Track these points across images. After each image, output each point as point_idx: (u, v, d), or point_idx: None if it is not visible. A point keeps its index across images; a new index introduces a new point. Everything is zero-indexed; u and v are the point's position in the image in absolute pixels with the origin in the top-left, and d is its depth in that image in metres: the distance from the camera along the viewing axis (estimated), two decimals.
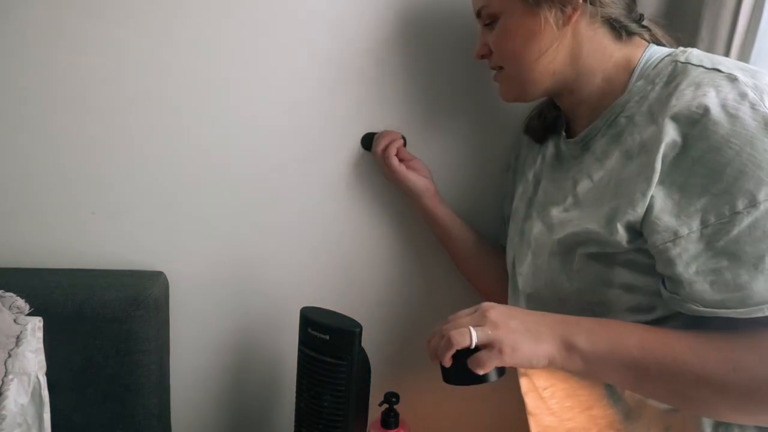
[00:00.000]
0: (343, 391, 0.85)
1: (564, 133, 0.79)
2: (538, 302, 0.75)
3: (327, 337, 0.84)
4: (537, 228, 0.76)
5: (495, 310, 0.62)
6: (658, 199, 0.59)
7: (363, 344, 0.86)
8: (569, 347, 0.61)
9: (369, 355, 0.89)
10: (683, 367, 0.58)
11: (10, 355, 0.80)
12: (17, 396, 0.80)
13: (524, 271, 0.78)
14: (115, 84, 0.91)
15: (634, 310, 0.65)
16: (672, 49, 0.68)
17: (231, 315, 1.03)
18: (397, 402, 0.92)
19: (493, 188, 1.03)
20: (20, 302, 0.84)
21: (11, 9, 0.87)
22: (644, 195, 0.60)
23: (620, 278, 0.65)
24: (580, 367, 0.61)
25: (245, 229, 1.00)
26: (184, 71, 0.92)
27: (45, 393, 0.84)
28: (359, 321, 0.86)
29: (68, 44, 0.89)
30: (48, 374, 0.85)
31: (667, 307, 0.63)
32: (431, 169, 0.98)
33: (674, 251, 0.58)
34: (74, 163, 0.93)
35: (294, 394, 0.91)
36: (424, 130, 1.00)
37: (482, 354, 0.60)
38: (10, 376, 0.79)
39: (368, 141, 0.99)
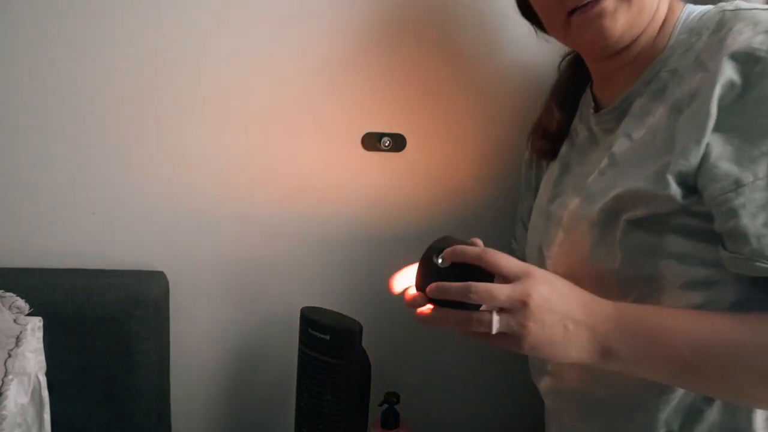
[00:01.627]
0: (344, 391, 0.85)
1: (592, 110, 0.72)
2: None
3: (327, 337, 0.84)
4: (572, 203, 0.68)
5: (537, 296, 0.53)
6: (716, 145, 0.53)
7: (363, 344, 0.86)
8: (607, 353, 0.55)
9: (369, 355, 0.89)
10: (743, 365, 0.51)
11: (10, 355, 0.80)
12: (17, 396, 0.79)
13: (554, 252, 0.70)
14: (115, 84, 0.91)
15: (688, 286, 0.56)
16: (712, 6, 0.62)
17: (231, 315, 1.03)
18: (398, 402, 0.92)
19: (497, 187, 1.03)
20: (20, 302, 0.84)
21: (9, 10, 0.87)
22: (698, 143, 0.53)
23: (672, 246, 0.56)
24: (618, 369, 0.56)
25: (245, 229, 1.00)
26: (183, 72, 0.92)
27: (45, 393, 0.84)
28: (359, 321, 0.86)
29: (67, 44, 0.89)
30: (48, 374, 0.85)
31: (727, 284, 0.55)
32: (432, 168, 0.98)
33: (737, 201, 0.51)
34: (74, 163, 0.93)
35: (294, 394, 0.91)
36: (425, 130, 1.00)
37: (496, 319, 0.53)
38: (10, 376, 0.79)
39: (368, 141, 0.99)
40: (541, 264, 0.72)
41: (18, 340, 0.81)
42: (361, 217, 1.02)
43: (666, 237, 0.56)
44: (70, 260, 0.96)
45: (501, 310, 0.54)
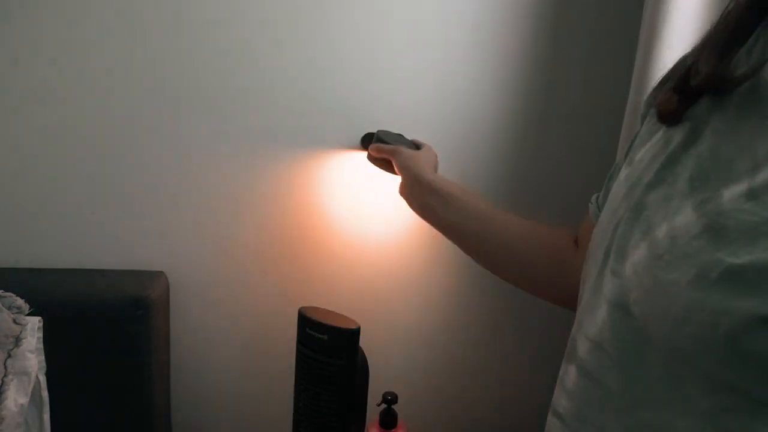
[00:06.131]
0: (342, 391, 0.85)
1: None
2: (637, 339, 0.42)
3: (325, 337, 0.84)
4: (682, 216, 0.40)
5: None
6: None
7: (361, 344, 0.86)
8: (436, 191, 0.79)
9: (367, 355, 0.89)
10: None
11: (9, 356, 0.80)
12: (17, 396, 0.80)
13: (628, 271, 0.43)
14: (115, 84, 0.92)
15: None
16: None
17: (230, 315, 1.03)
18: (396, 402, 0.92)
19: (499, 187, 1.03)
20: (20, 302, 0.84)
21: (8, 8, 0.87)
22: None
23: None
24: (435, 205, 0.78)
25: (245, 229, 1.00)
26: (184, 72, 0.93)
27: (45, 393, 0.85)
28: (358, 321, 0.86)
29: (68, 44, 0.89)
30: (48, 374, 0.85)
31: None
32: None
33: None
34: (74, 163, 0.94)
35: (292, 394, 0.91)
36: (427, 131, 1.00)
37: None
38: (10, 376, 0.79)
39: (368, 141, 0.99)
40: (600, 274, 0.48)
41: (18, 340, 0.81)
42: (359, 217, 1.02)
43: None
44: (70, 260, 0.96)
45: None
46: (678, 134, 0.46)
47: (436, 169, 0.90)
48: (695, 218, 0.39)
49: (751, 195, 0.37)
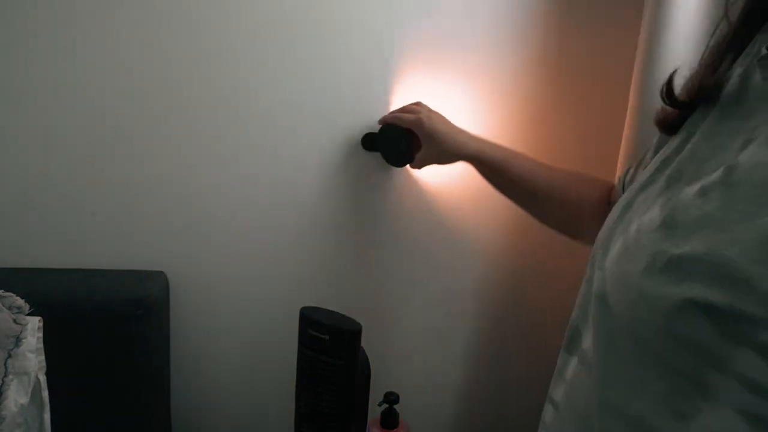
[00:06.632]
0: (343, 391, 0.85)
1: (765, 49, 0.43)
2: (620, 329, 0.44)
3: (326, 337, 0.84)
4: (651, 212, 0.44)
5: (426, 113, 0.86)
6: None
7: (363, 344, 0.86)
8: (480, 149, 0.82)
9: (369, 355, 0.89)
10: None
11: (10, 355, 0.80)
12: (17, 396, 0.79)
13: (607, 265, 0.47)
14: (115, 83, 0.91)
15: (752, 418, 0.36)
16: None
17: (231, 315, 1.03)
18: (397, 402, 0.92)
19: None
20: (20, 302, 0.84)
21: (10, 10, 0.87)
22: None
23: (743, 366, 0.35)
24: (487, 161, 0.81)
25: (245, 229, 1.00)
26: (184, 71, 0.92)
27: (45, 393, 0.84)
28: (359, 321, 0.86)
29: (68, 43, 0.89)
30: (48, 374, 0.85)
31: None
32: (432, 167, 0.98)
33: None
34: (74, 162, 0.93)
35: (294, 394, 0.91)
36: None
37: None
38: (10, 376, 0.79)
39: (368, 141, 0.99)
40: (591, 270, 0.51)
41: (18, 340, 0.81)
42: (360, 218, 1.02)
43: (739, 351, 0.34)
44: (70, 260, 0.96)
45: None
46: (675, 140, 0.49)
47: (447, 124, 0.89)
48: (658, 213, 0.43)
49: (702, 192, 0.40)
